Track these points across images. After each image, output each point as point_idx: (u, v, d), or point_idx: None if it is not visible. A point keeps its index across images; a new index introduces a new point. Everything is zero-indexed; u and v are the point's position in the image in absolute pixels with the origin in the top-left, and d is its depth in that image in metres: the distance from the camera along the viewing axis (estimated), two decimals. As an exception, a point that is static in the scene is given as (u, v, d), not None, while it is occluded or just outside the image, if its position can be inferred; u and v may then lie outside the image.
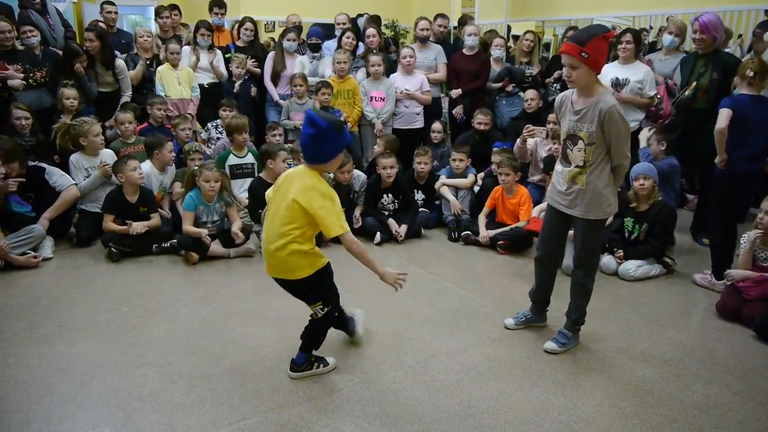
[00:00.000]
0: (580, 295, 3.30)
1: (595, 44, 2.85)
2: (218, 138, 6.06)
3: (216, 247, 4.65)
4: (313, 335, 2.96)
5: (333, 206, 2.64)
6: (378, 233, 5.14)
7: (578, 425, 2.63)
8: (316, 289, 2.84)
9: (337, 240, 2.70)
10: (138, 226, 4.63)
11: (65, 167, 5.05)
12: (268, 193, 2.92)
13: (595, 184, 3.04)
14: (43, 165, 4.88)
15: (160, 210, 4.99)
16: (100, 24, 6.36)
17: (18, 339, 3.32)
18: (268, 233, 2.78)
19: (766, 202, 3.65)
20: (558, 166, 3.23)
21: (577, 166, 3.08)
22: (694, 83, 5.07)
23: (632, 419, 2.68)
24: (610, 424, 2.64)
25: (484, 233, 5.04)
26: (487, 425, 2.62)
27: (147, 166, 5.09)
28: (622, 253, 4.41)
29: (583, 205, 3.10)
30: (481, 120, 5.99)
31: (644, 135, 5.05)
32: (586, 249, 3.22)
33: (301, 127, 5.97)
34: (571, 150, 3.08)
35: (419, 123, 6.47)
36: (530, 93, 6.08)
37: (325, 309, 2.87)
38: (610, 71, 5.52)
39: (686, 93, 5.12)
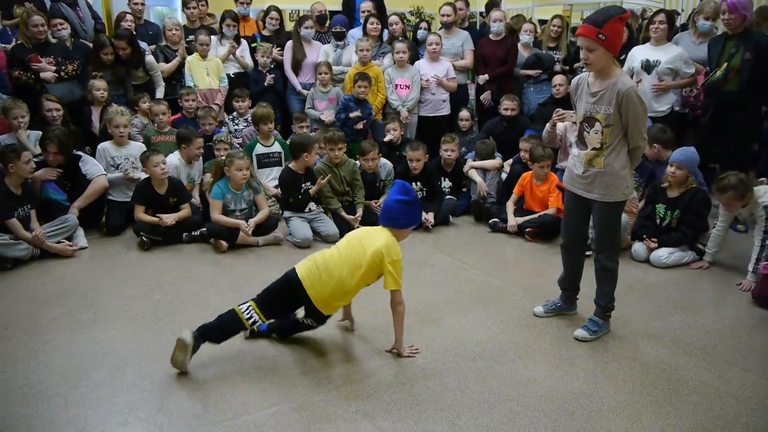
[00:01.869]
0: (606, 280, 3.27)
1: (611, 26, 2.83)
2: (236, 129, 6.10)
3: (245, 235, 4.69)
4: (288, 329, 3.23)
5: (398, 266, 2.89)
6: (405, 221, 5.13)
7: (610, 413, 2.60)
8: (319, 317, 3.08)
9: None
10: (169, 218, 4.69)
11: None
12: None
13: (613, 166, 3.02)
14: (80, 153, 4.98)
15: (191, 199, 5.06)
16: (128, 15, 6.42)
17: (55, 325, 3.40)
18: (335, 269, 2.92)
19: None
20: (574, 150, 3.20)
21: (594, 149, 3.05)
22: (725, 64, 4.94)
23: (665, 407, 2.65)
24: (642, 412, 2.61)
25: (513, 221, 5.00)
26: (518, 413, 2.60)
27: (175, 158, 5.16)
28: (656, 243, 4.33)
29: (601, 187, 3.07)
30: (507, 106, 5.92)
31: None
32: (607, 232, 3.20)
33: (324, 119, 6.05)
34: (588, 132, 3.06)
35: (446, 110, 6.43)
36: (558, 78, 5.99)
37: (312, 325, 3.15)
38: (641, 53, 5.41)
39: (717, 74, 4.99)
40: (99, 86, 5.59)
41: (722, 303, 3.75)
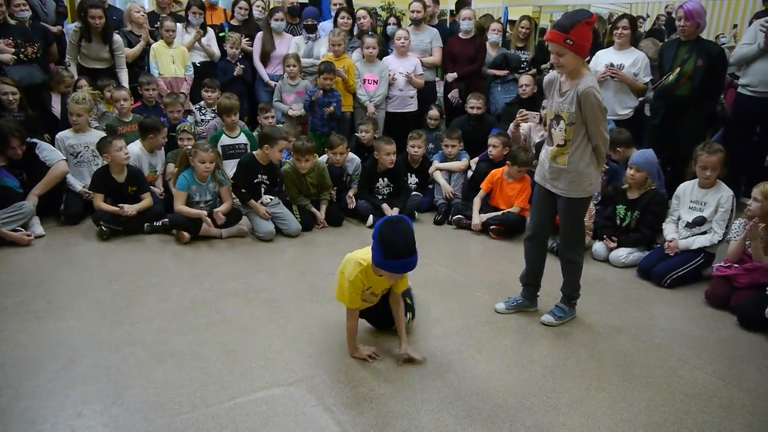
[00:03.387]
0: (572, 272, 3.42)
1: (579, 30, 2.92)
2: (203, 120, 6.01)
3: (208, 227, 4.63)
4: None
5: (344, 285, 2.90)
6: (371, 216, 5.14)
7: (566, 408, 2.65)
8: None
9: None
10: (130, 209, 4.59)
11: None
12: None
13: (577, 164, 3.13)
14: (35, 140, 4.83)
15: (151, 187, 4.96)
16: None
17: (8, 315, 3.31)
18: None
19: (756, 189, 3.68)
20: (545, 146, 3.33)
21: (558, 145, 3.17)
22: (678, 69, 5.10)
23: (619, 403, 2.71)
24: (597, 407, 2.67)
25: (477, 219, 5.04)
26: (477, 408, 2.63)
27: (136, 147, 5.05)
28: (615, 244, 4.43)
29: (565, 183, 3.20)
30: (473, 104, 5.96)
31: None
32: (572, 227, 3.33)
33: (292, 113, 5.98)
34: (555, 129, 3.18)
35: (413, 106, 6.44)
36: (525, 78, 6.06)
37: None
38: (605, 57, 5.52)
39: (669, 78, 5.14)
40: (67, 80, 5.47)
41: (677, 302, 3.85)
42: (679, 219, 4.25)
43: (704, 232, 4.09)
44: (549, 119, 3.23)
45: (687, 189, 4.24)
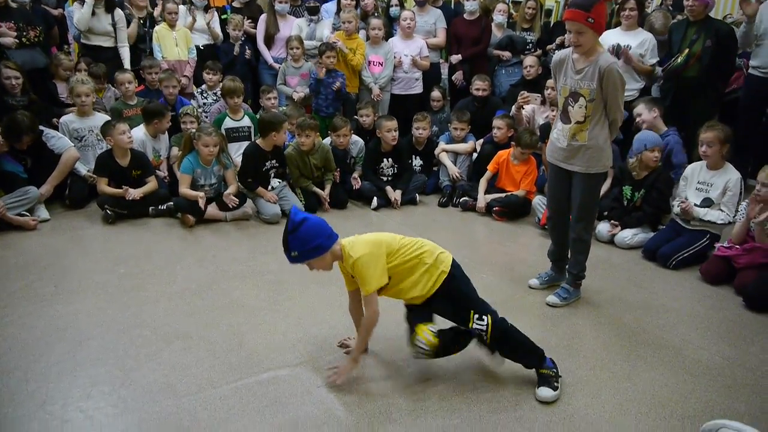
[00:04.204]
0: (580, 250, 3.44)
1: (598, 8, 2.99)
2: (205, 103, 5.99)
3: (212, 210, 4.64)
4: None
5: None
6: (375, 198, 5.13)
7: (571, 388, 2.66)
8: None
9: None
10: (135, 192, 4.59)
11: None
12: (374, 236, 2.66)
13: (597, 140, 3.19)
14: (42, 128, 4.81)
15: (156, 171, 4.97)
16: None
17: (15, 299, 3.33)
18: None
19: (762, 173, 3.65)
20: (558, 124, 3.35)
21: (577, 122, 3.20)
22: (687, 50, 5.03)
23: (624, 383, 2.73)
24: (601, 387, 2.69)
25: (482, 200, 5.03)
26: (482, 387, 2.65)
27: (140, 132, 5.04)
28: (618, 229, 4.41)
29: (584, 160, 3.23)
30: (479, 86, 5.92)
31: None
32: (587, 203, 3.35)
33: (296, 96, 5.94)
34: (572, 107, 3.20)
35: (418, 89, 6.40)
36: (530, 59, 6.00)
37: None
38: (611, 37, 5.44)
39: (678, 60, 5.08)
40: (66, 66, 5.46)
41: (682, 283, 3.84)
42: (686, 200, 4.23)
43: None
44: (564, 96, 3.25)
45: (695, 170, 4.21)
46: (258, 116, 5.36)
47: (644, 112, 4.77)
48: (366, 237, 2.61)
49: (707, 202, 4.07)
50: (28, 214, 4.44)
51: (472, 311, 2.58)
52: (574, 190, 3.35)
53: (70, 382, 2.60)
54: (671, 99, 5.26)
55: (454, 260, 2.67)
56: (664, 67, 5.23)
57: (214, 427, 2.35)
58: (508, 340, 2.62)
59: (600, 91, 3.09)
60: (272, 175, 4.87)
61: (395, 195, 5.14)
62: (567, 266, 3.52)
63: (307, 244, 2.48)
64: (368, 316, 2.57)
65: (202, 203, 4.53)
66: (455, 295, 2.61)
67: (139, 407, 2.45)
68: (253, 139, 5.42)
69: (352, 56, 6.07)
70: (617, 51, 5.31)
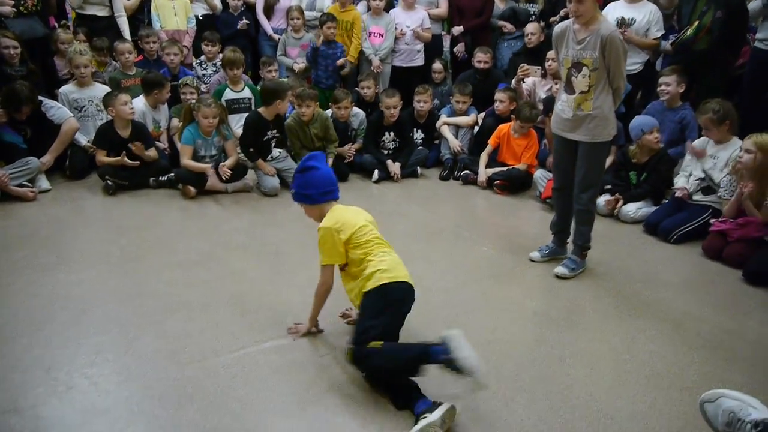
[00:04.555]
0: (585, 221, 3.47)
1: None
2: (204, 74, 5.93)
3: (213, 181, 4.63)
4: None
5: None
6: (376, 171, 5.12)
7: (571, 359, 2.69)
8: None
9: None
10: (140, 152, 4.58)
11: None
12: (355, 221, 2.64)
13: (602, 109, 3.21)
14: (41, 98, 4.76)
15: (156, 143, 4.94)
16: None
17: (18, 268, 3.34)
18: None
19: (748, 140, 3.68)
20: (562, 95, 3.35)
21: (581, 92, 3.22)
22: (696, 22, 4.96)
23: (623, 355, 2.75)
24: (600, 358, 2.71)
25: (483, 174, 5.02)
26: (483, 358, 2.64)
27: (140, 103, 5.00)
28: (620, 204, 4.38)
29: (589, 129, 3.25)
30: (480, 58, 5.84)
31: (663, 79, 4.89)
32: (592, 173, 3.36)
33: (296, 68, 5.89)
34: (576, 77, 3.22)
35: (419, 61, 6.34)
36: (531, 27, 5.85)
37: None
38: (615, 10, 5.36)
39: (687, 33, 5.01)
40: (64, 39, 5.38)
41: (682, 257, 3.85)
42: (690, 174, 4.22)
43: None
44: (566, 68, 3.26)
45: (701, 144, 4.20)
46: (260, 85, 5.31)
47: (673, 84, 4.71)
48: (345, 213, 2.65)
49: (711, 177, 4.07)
50: (29, 184, 4.43)
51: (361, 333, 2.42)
52: (580, 160, 3.36)
53: (75, 349, 2.62)
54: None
55: (390, 285, 2.49)
56: (673, 41, 5.16)
57: (217, 395, 2.37)
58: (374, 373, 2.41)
59: (602, 59, 3.11)
60: (273, 144, 4.84)
61: (395, 168, 5.13)
62: (572, 237, 3.54)
63: (302, 189, 2.67)
64: (319, 284, 2.67)
65: (210, 173, 4.52)
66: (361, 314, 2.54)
67: (143, 374, 2.48)
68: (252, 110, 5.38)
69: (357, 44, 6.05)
70: (621, 25, 5.24)
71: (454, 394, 2.33)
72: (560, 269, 3.48)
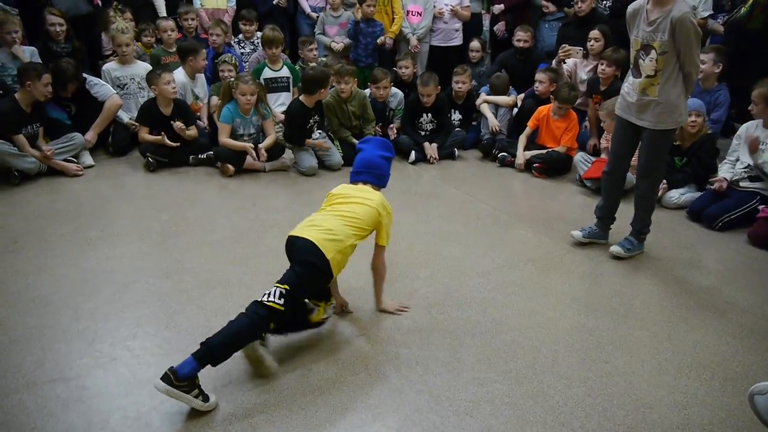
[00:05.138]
0: (644, 207, 3.40)
1: None
2: (243, 53, 5.95)
3: (251, 160, 4.66)
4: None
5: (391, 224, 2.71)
6: (413, 152, 5.09)
7: (609, 347, 2.64)
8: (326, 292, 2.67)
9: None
10: (181, 129, 4.64)
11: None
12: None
13: (669, 95, 3.08)
14: (85, 75, 4.86)
15: (197, 121, 5.00)
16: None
17: (65, 241, 3.44)
18: (327, 224, 2.54)
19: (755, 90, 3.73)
20: (629, 78, 3.25)
21: (647, 76, 3.10)
22: (751, 0, 4.76)
23: (664, 343, 2.69)
24: (640, 346, 2.66)
25: (521, 157, 4.94)
26: (519, 343, 2.65)
27: (181, 74, 5.06)
28: (664, 188, 4.26)
29: (654, 115, 3.14)
30: (521, 37, 5.72)
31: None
32: (655, 160, 3.28)
33: (335, 47, 5.88)
34: (644, 60, 3.10)
35: (458, 40, 6.25)
36: None
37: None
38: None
39: (741, 11, 4.82)
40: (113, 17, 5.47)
41: (727, 245, 3.74)
42: (737, 160, 4.08)
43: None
44: (635, 50, 3.15)
45: (749, 129, 4.04)
46: (300, 72, 5.28)
47: (709, 63, 4.58)
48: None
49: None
50: (74, 159, 4.54)
51: None
52: (642, 146, 3.27)
53: (118, 322, 2.69)
54: (732, 52, 5.00)
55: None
56: (726, 19, 4.97)
57: (252, 372, 2.40)
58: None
59: (672, 43, 2.96)
60: (314, 128, 4.85)
61: (432, 150, 5.08)
62: (631, 222, 3.46)
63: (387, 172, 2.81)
64: (382, 264, 2.78)
65: (253, 154, 4.55)
66: None
67: (183, 348, 2.50)
68: (291, 89, 5.39)
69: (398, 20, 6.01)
70: None
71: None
72: (616, 248, 3.42)
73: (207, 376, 2.22)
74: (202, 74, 5.30)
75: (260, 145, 4.65)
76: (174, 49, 5.46)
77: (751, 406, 1.66)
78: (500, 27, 6.30)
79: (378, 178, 2.75)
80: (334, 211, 2.61)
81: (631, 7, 3.19)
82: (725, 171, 4.09)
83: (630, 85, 3.22)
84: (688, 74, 3.06)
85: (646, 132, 3.20)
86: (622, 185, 3.49)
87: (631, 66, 3.21)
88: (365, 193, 2.67)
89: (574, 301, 3.02)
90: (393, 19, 6.10)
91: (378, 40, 5.85)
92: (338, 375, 2.41)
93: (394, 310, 2.84)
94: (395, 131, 5.22)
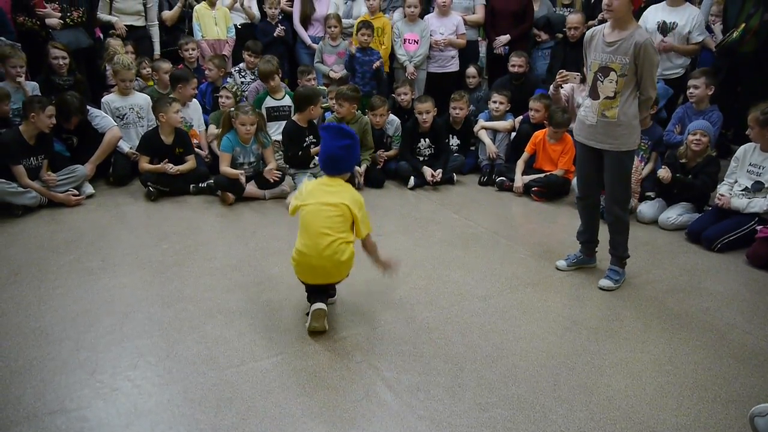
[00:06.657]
0: (619, 230, 3.39)
1: None
2: (242, 82, 6.03)
3: (252, 188, 4.70)
4: None
5: (365, 213, 2.90)
6: (412, 177, 5.12)
7: (611, 369, 2.64)
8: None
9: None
10: (176, 168, 4.70)
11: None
12: (295, 203, 2.95)
13: (628, 117, 3.14)
14: (87, 107, 4.92)
15: (197, 150, 5.05)
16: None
17: (65, 272, 3.45)
18: (317, 241, 2.79)
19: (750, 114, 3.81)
20: (586, 101, 3.30)
21: (607, 98, 3.15)
22: (743, 25, 4.85)
23: (665, 366, 2.69)
24: (642, 369, 2.65)
25: (519, 181, 4.97)
26: (520, 367, 2.65)
27: None
28: (669, 174, 4.29)
29: (614, 137, 3.18)
30: (515, 62, 5.78)
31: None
32: (620, 182, 3.30)
33: (333, 75, 5.97)
34: (602, 82, 3.15)
35: (454, 66, 6.31)
36: (574, 18, 5.69)
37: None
38: (656, 14, 5.27)
39: (733, 35, 4.91)
40: (115, 45, 5.56)
41: (727, 266, 3.75)
42: (735, 182, 4.10)
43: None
44: (593, 72, 3.20)
45: (747, 151, 4.07)
46: (294, 91, 5.37)
47: (701, 87, 4.64)
48: None
49: (758, 186, 3.94)
50: (74, 190, 4.57)
51: None
52: (607, 170, 3.29)
53: (119, 352, 2.69)
54: (725, 76, 5.08)
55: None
56: (719, 43, 5.05)
57: (255, 399, 2.40)
58: None
59: (634, 67, 3.05)
60: (311, 149, 4.90)
61: (435, 172, 5.10)
62: (609, 248, 3.44)
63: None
64: (373, 244, 3.01)
65: (242, 179, 4.60)
66: None
67: (184, 378, 2.53)
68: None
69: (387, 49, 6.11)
70: (663, 29, 5.15)
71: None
72: (604, 282, 3.38)
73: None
74: (194, 101, 5.37)
75: (269, 167, 4.71)
76: (167, 91, 5.50)
77: (751, 427, 1.66)
78: (502, 41, 6.23)
79: (343, 169, 2.93)
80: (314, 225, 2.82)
81: (588, 33, 3.30)
82: (725, 191, 4.11)
83: (588, 107, 3.27)
84: (648, 98, 3.15)
85: (608, 155, 3.24)
86: (597, 209, 3.52)
87: (588, 89, 3.27)
88: (332, 190, 2.86)
89: (574, 324, 3.01)
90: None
91: (374, 65, 5.92)
92: (338, 401, 2.40)
93: (393, 263, 3.02)
94: (384, 158, 5.28)
